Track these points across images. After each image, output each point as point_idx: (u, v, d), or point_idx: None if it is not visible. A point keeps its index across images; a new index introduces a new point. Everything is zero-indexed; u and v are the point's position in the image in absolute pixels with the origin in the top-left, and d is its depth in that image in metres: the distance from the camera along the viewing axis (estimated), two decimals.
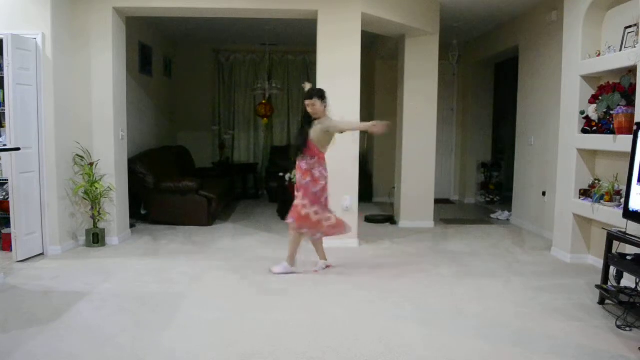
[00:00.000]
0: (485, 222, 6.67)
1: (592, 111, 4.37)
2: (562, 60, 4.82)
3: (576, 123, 4.57)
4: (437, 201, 6.86)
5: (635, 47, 3.87)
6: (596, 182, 4.46)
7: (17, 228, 4.44)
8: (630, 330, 3.09)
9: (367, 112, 8.27)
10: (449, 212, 7.45)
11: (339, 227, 4.32)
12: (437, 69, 6.19)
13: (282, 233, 5.63)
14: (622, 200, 3.93)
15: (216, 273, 4.25)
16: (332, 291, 3.83)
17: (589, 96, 4.48)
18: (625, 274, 3.50)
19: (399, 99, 6.45)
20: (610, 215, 4.02)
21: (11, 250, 4.51)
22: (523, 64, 6.38)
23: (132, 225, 5.74)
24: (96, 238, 5.04)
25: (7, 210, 4.58)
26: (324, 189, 4.24)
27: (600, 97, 4.28)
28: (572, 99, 4.63)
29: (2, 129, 4.70)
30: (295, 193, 4.28)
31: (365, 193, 7.81)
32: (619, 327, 3.13)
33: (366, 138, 8.68)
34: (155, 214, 6.22)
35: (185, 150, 8.16)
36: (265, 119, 8.20)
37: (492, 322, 3.24)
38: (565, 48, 4.78)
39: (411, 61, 6.15)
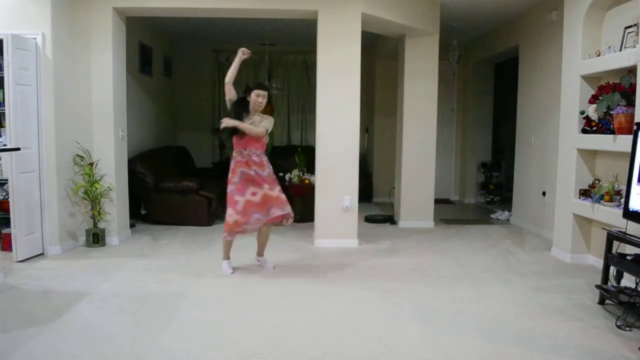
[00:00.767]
0: (485, 222, 6.67)
1: (592, 111, 4.37)
2: (562, 60, 4.82)
3: (576, 123, 4.57)
4: (437, 201, 6.86)
5: (635, 47, 3.87)
6: (596, 182, 4.46)
7: (17, 228, 4.44)
8: (630, 330, 3.09)
9: (367, 112, 8.30)
10: (449, 212, 7.45)
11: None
12: (437, 68, 6.19)
13: (283, 233, 5.64)
14: (622, 200, 3.93)
15: (216, 273, 4.25)
16: (332, 291, 3.83)
17: (589, 96, 4.48)
18: (625, 274, 3.50)
19: (399, 99, 6.45)
20: (610, 215, 4.02)
21: (11, 250, 4.51)
22: (523, 64, 6.38)
23: (132, 225, 5.74)
24: (96, 238, 5.04)
25: (7, 210, 4.58)
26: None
27: (600, 97, 4.28)
28: (572, 99, 4.63)
29: (2, 129, 4.70)
30: (267, 187, 4.13)
31: (365, 193, 7.82)
32: (619, 327, 3.13)
33: (366, 138, 8.69)
34: (155, 214, 6.22)
35: (185, 150, 8.16)
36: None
37: (492, 322, 3.24)
38: (565, 48, 4.78)
39: (411, 61, 6.15)
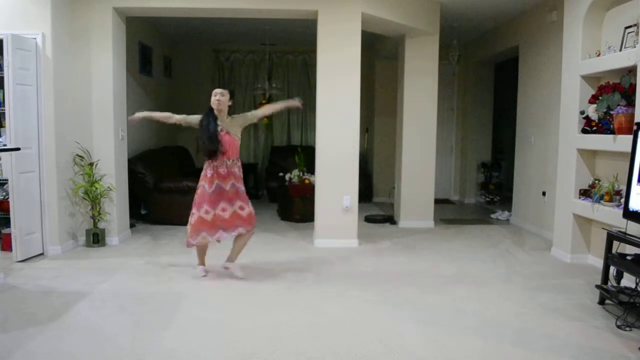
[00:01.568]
0: (485, 222, 6.67)
1: (592, 111, 4.37)
2: (562, 60, 4.82)
3: (576, 123, 4.57)
4: (437, 201, 6.86)
5: (635, 47, 3.87)
6: (596, 182, 4.46)
7: (17, 228, 4.43)
8: (630, 330, 3.09)
9: (367, 112, 8.30)
10: (449, 212, 7.45)
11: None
12: (437, 69, 6.19)
13: (283, 233, 5.64)
14: (622, 200, 3.93)
15: (216, 273, 4.25)
16: (332, 291, 3.83)
17: (589, 96, 4.48)
18: (625, 274, 3.50)
19: (398, 99, 6.45)
20: (610, 215, 4.02)
21: (11, 250, 4.51)
22: (523, 64, 6.38)
23: (132, 225, 5.74)
24: (96, 238, 5.04)
25: (7, 210, 4.59)
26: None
27: (600, 97, 4.28)
28: (572, 99, 4.63)
29: (2, 129, 4.70)
30: (236, 204, 3.95)
31: (365, 193, 7.81)
32: (619, 327, 3.13)
33: (366, 138, 8.68)
34: (155, 214, 6.22)
35: (185, 150, 8.16)
36: (265, 119, 8.19)
37: (492, 322, 3.24)
38: (565, 48, 4.78)
39: (411, 61, 6.15)
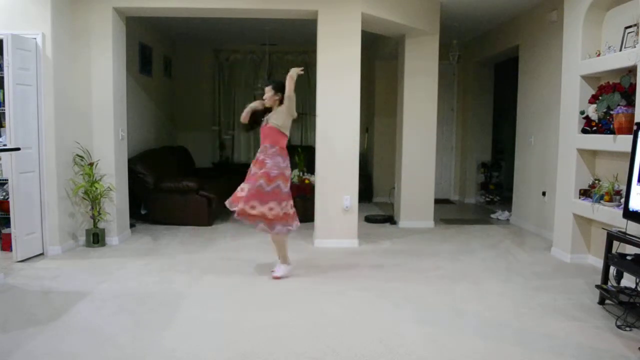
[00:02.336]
0: (485, 222, 6.67)
1: (592, 111, 4.37)
2: (562, 60, 4.82)
3: (576, 123, 4.57)
4: (437, 201, 6.86)
5: (635, 47, 3.87)
6: (596, 182, 4.46)
7: (17, 228, 4.43)
8: (630, 330, 3.09)
9: (367, 112, 8.30)
10: (449, 212, 7.45)
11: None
12: (437, 69, 6.19)
13: None
14: (622, 200, 3.93)
15: (216, 273, 4.25)
16: (332, 291, 3.83)
17: (589, 96, 4.48)
18: (625, 274, 3.51)
19: (398, 99, 6.45)
20: (610, 215, 4.02)
21: (11, 250, 4.51)
22: (523, 64, 6.38)
23: (132, 225, 5.74)
24: (96, 238, 5.04)
25: (7, 210, 4.59)
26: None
27: (600, 97, 4.28)
28: (572, 99, 4.63)
29: (2, 129, 4.70)
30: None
31: (365, 193, 7.81)
32: (619, 327, 3.13)
33: (366, 138, 8.68)
34: (155, 214, 6.22)
35: (185, 150, 8.16)
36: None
37: (492, 322, 3.24)
38: (565, 48, 4.78)
39: (411, 61, 6.15)
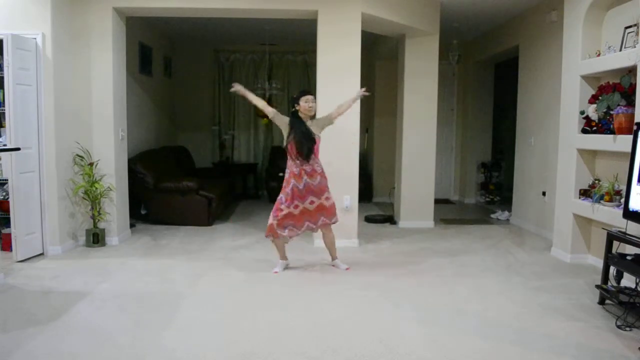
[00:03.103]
0: (485, 222, 6.67)
1: (592, 111, 4.37)
2: (562, 60, 4.82)
3: (576, 123, 4.57)
4: (437, 201, 6.86)
5: (635, 47, 3.87)
6: (596, 182, 4.46)
7: (17, 228, 4.44)
8: (630, 330, 3.09)
9: (367, 112, 8.29)
10: (449, 212, 7.45)
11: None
12: (437, 69, 6.19)
13: None
14: (622, 200, 3.93)
15: (216, 273, 4.25)
16: (332, 291, 3.83)
17: (589, 96, 4.48)
18: (625, 274, 3.50)
19: (399, 99, 6.45)
20: (610, 215, 4.02)
21: (11, 250, 4.51)
22: (523, 64, 6.38)
23: (132, 225, 5.74)
24: (96, 238, 5.04)
25: (7, 210, 4.59)
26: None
27: (600, 97, 4.27)
28: (572, 99, 4.63)
29: (2, 129, 4.70)
30: (322, 197, 4.27)
31: (365, 193, 7.81)
32: (619, 327, 3.13)
33: (366, 138, 8.68)
34: (155, 214, 6.23)
35: (185, 150, 8.16)
36: (265, 119, 8.17)
37: (492, 322, 3.24)
38: (565, 48, 4.78)
39: (411, 61, 6.15)
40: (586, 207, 4.39)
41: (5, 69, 4.33)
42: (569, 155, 4.69)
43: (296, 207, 4.17)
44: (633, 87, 3.90)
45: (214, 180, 6.98)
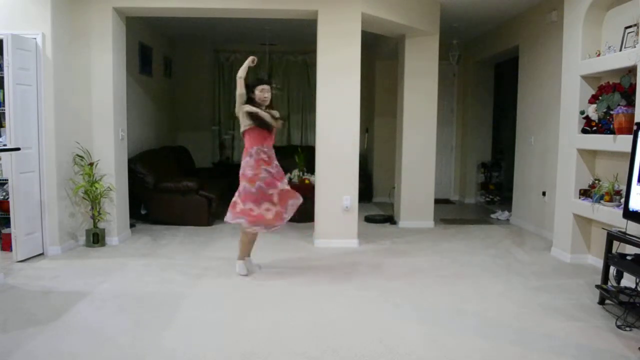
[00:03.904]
0: (485, 222, 6.67)
1: (592, 111, 4.37)
2: (562, 60, 4.82)
3: (576, 123, 4.57)
4: (437, 201, 6.86)
5: (635, 47, 3.87)
6: (596, 182, 4.46)
7: (17, 228, 4.43)
8: (630, 330, 3.09)
9: (367, 112, 8.30)
10: (449, 212, 7.45)
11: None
12: (437, 69, 6.19)
13: (283, 233, 5.63)
14: (622, 200, 3.93)
15: (216, 273, 4.25)
16: (332, 291, 3.83)
17: (589, 96, 4.48)
18: (625, 274, 3.50)
19: (399, 99, 6.45)
20: (610, 215, 4.02)
21: (11, 250, 4.51)
22: (523, 64, 6.38)
23: (132, 225, 5.74)
24: (96, 238, 5.04)
25: (7, 210, 4.58)
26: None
27: (600, 97, 4.28)
28: (572, 99, 4.63)
29: (2, 129, 4.70)
30: (284, 182, 4.25)
31: (365, 193, 7.81)
32: (619, 327, 3.13)
33: (366, 138, 8.68)
34: (155, 214, 6.22)
35: (185, 150, 8.16)
36: None
37: (492, 322, 3.24)
38: (565, 48, 4.78)
39: (411, 61, 6.15)
40: (586, 207, 4.39)
41: (5, 69, 4.33)
42: (569, 155, 4.69)
43: (268, 209, 4.05)
44: (633, 87, 3.91)
45: (214, 180, 6.98)
